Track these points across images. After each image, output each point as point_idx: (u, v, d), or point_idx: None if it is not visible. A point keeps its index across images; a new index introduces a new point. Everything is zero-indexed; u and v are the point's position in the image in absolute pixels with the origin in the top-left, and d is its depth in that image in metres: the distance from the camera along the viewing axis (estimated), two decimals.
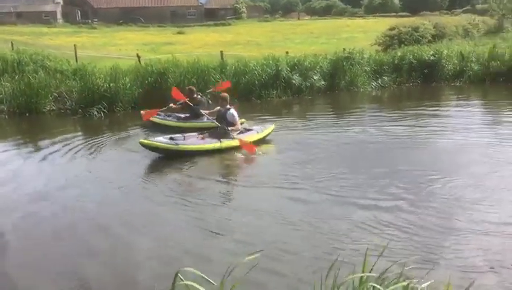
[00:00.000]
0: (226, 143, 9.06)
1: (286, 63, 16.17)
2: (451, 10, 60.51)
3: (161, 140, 8.76)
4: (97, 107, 13.22)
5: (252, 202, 6.62)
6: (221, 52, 18.23)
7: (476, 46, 20.71)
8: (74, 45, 18.70)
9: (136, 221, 6.20)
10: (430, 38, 22.12)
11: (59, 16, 53.85)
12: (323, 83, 16.26)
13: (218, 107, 9.85)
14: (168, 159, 8.67)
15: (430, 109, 13.60)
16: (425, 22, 23.78)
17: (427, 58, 17.86)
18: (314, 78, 16.11)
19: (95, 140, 10.50)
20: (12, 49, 19.80)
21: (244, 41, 35.17)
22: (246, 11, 63.21)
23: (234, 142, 9.08)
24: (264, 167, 8.45)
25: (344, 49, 19.09)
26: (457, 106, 14.73)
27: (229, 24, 51.83)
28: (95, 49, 27.97)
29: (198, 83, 14.68)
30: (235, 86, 15.28)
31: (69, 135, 11.18)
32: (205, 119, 10.37)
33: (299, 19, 60.33)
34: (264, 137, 9.88)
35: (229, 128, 9.23)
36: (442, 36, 22.95)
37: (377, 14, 62.37)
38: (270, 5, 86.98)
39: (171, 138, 8.84)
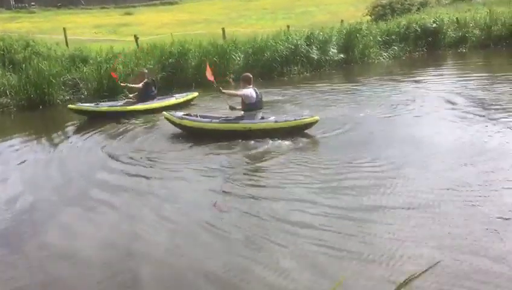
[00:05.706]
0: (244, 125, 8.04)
1: (301, 37, 15.40)
2: None
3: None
4: (123, 94, 11.80)
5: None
6: (223, 29, 17.12)
7: (459, 13, 20.87)
8: (64, 28, 16.71)
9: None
10: (418, 6, 22.18)
11: None
12: (342, 56, 15.67)
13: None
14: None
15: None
16: None
17: (430, 25, 17.77)
18: (332, 51, 15.49)
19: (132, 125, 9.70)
20: None
21: (202, 20, 33.85)
22: None
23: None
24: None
25: (342, 20, 18.69)
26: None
27: (176, 3, 49.55)
28: (49, 34, 25.52)
29: (220, 63, 13.67)
30: (255, 63, 14.41)
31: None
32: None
33: None
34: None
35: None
36: (425, 4, 23.08)
37: None
38: None
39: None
